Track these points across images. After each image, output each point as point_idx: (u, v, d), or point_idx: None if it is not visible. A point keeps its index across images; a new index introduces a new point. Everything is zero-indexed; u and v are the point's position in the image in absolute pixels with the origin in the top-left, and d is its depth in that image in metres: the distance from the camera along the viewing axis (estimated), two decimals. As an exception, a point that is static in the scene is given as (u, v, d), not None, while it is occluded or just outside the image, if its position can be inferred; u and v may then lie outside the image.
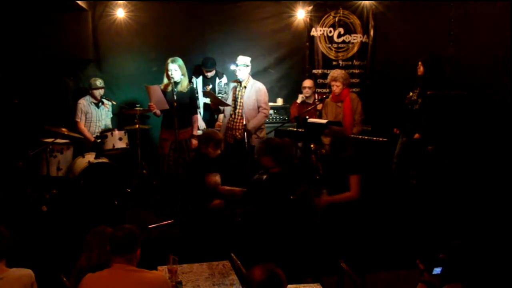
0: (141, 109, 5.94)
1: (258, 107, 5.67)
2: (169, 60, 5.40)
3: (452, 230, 4.72)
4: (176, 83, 5.38)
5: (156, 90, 5.36)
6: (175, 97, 5.30)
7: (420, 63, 5.55)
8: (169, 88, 5.40)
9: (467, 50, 5.88)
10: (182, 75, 5.43)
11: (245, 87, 5.66)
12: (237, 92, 5.69)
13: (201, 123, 6.47)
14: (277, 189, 4.12)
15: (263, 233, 4.09)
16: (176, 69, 5.36)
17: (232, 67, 6.34)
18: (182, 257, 3.42)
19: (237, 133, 5.64)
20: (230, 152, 5.71)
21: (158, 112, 5.49)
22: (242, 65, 5.60)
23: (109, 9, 6.52)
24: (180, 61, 5.42)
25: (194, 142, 5.55)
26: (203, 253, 4.04)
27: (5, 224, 4.41)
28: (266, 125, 6.23)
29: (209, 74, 6.51)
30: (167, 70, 5.40)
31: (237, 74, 5.64)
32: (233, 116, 5.68)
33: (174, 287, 3.21)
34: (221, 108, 5.86)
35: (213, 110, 6.27)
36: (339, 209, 4.34)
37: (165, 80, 5.46)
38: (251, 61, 5.76)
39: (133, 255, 2.78)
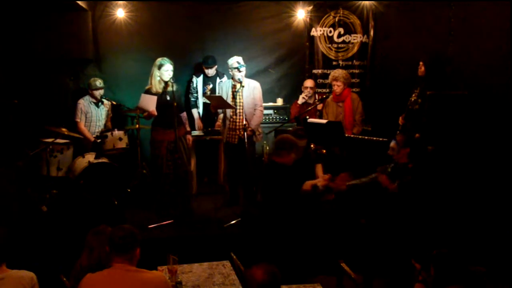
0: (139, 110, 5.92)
1: (255, 105, 5.66)
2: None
3: (452, 229, 4.72)
4: (165, 83, 5.31)
5: (145, 99, 5.33)
6: (168, 97, 5.29)
7: (421, 63, 5.55)
8: (160, 89, 5.34)
9: (467, 50, 5.88)
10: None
11: (243, 86, 5.63)
12: (236, 93, 5.66)
13: (199, 123, 6.48)
14: None
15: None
16: (172, 69, 5.35)
17: (235, 64, 6.28)
18: (182, 257, 3.42)
19: (241, 133, 5.60)
20: (233, 152, 5.70)
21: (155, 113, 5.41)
22: (244, 66, 5.58)
23: (109, 9, 6.51)
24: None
25: (190, 138, 5.63)
26: (203, 253, 4.05)
27: (5, 224, 4.43)
28: (267, 125, 6.23)
29: (210, 72, 6.50)
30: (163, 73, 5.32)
31: (241, 75, 5.55)
32: (234, 117, 5.66)
33: (174, 287, 3.21)
34: (219, 110, 5.85)
35: (213, 113, 6.27)
36: None
37: (158, 83, 5.36)
38: (251, 61, 5.76)
39: (132, 255, 2.78)
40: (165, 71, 5.29)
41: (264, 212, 4.36)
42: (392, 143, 4.61)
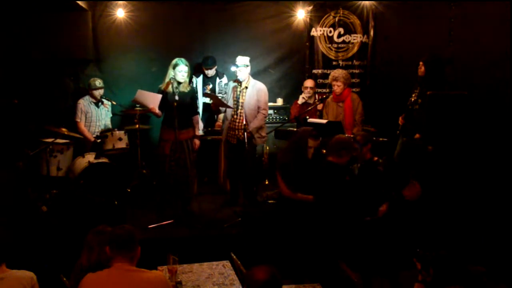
0: (141, 109, 5.92)
1: (258, 107, 5.66)
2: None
3: (452, 229, 4.72)
4: (178, 83, 5.32)
5: (142, 95, 5.34)
6: (176, 97, 5.25)
7: (421, 63, 5.55)
8: (170, 88, 5.33)
9: (467, 50, 5.89)
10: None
11: (246, 87, 5.64)
12: (237, 93, 5.67)
13: (200, 124, 6.47)
14: None
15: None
16: (186, 71, 5.33)
17: (233, 68, 6.33)
18: (182, 257, 3.42)
19: (240, 133, 5.60)
20: (233, 152, 5.70)
21: (159, 112, 5.42)
22: (242, 66, 5.58)
23: (109, 9, 6.52)
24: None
25: (197, 142, 5.52)
26: (203, 253, 4.05)
27: (5, 224, 4.43)
28: (267, 125, 6.22)
29: (210, 73, 6.50)
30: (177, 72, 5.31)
31: (237, 75, 5.60)
32: (235, 116, 5.66)
33: (174, 287, 3.21)
34: (221, 108, 5.85)
35: (213, 111, 6.26)
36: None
37: (166, 80, 5.39)
38: (251, 61, 5.74)
39: (133, 254, 2.78)
40: (179, 71, 5.27)
41: (317, 212, 4.36)
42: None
